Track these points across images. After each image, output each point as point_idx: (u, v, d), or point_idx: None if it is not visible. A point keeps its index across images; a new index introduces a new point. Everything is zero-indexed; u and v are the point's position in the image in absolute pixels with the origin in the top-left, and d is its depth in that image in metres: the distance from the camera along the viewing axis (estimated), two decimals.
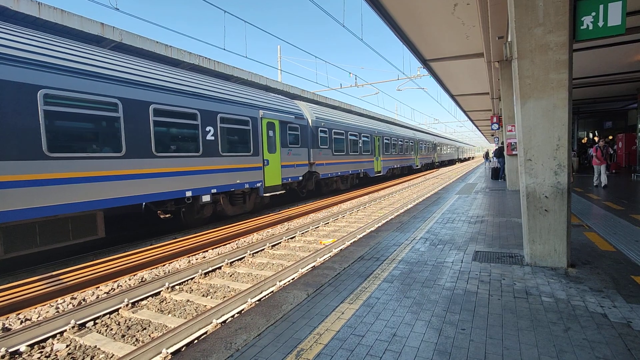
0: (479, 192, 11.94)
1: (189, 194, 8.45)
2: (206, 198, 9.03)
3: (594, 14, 3.56)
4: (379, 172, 21.04)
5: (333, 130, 15.54)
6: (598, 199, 8.86)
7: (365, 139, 18.90)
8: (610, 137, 20.11)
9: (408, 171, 29.80)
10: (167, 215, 11.17)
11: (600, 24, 3.56)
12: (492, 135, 38.49)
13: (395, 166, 24.55)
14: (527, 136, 3.94)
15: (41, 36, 6.40)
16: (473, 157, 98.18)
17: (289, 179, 12.32)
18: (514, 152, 11.42)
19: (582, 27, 3.63)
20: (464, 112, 27.65)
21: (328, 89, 21.76)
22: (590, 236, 5.30)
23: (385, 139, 22.28)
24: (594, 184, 11.91)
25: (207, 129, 8.96)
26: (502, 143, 16.27)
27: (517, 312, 2.95)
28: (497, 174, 16.54)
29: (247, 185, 10.30)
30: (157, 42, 11.02)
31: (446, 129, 76.20)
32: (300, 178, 13.08)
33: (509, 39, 4.00)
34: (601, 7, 3.53)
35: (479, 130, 52.31)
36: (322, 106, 19.05)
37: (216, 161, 9.23)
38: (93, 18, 9.90)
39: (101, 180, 6.73)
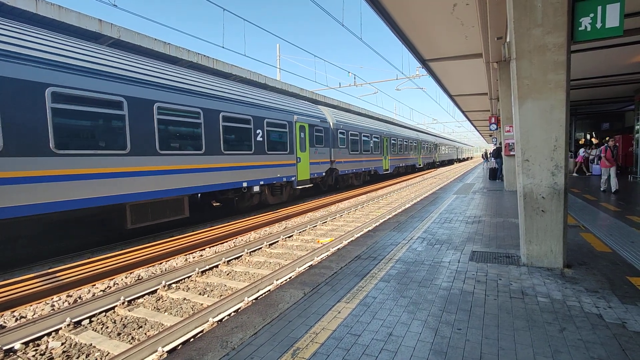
0: (476, 192, 11.97)
1: (245, 184, 10.26)
2: (256, 188, 10.92)
3: (592, 15, 3.57)
4: (387, 170, 22.67)
5: (349, 132, 17.33)
6: (595, 200, 8.90)
7: (375, 139, 20.66)
8: (608, 138, 20.20)
9: (412, 170, 31.08)
10: (218, 204, 12.42)
11: (599, 25, 3.57)
12: (490, 136, 38.59)
13: (401, 165, 26.44)
14: (524, 137, 3.94)
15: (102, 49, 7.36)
16: (472, 157, 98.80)
17: (315, 175, 14.15)
18: (511, 153, 11.44)
19: (580, 29, 3.64)
20: (463, 112, 27.68)
21: (327, 87, 21.75)
22: (587, 237, 5.32)
23: (392, 140, 24.00)
24: (602, 189, 10.72)
25: (257, 131, 10.78)
26: (500, 143, 16.31)
27: (513, 312, 2.95)
28: (495, 174, 16.58)
29: (284, 179, 12.08)
30: (156, 39, 10.98)
31: (445, 129, 76.32)
32: (324, 174, 14.98)
33: (508, 40, 4.00)
34: (599, 8, 3.54)
35: (477, 131, 52.42)
36: (340, 110, 20.91)
37: (263, 158, 11.06)
38: (91, 15, 9.91)
39: (187, 172, 8.46)
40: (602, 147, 11.01)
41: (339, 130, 16.24)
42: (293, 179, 12.55)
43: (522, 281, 3.63)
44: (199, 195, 10.64)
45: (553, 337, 2.56)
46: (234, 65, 14.42)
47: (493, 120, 17.57)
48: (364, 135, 18.97)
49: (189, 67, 12.41)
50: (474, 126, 43.42)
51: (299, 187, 13.04)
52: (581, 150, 17.52)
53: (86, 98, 6.53)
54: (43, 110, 5.90)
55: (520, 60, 3.84)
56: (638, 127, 13.88)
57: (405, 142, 27.25)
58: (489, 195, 11.05)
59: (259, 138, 10.79)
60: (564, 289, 3.41)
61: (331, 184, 16.98)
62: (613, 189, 10.20)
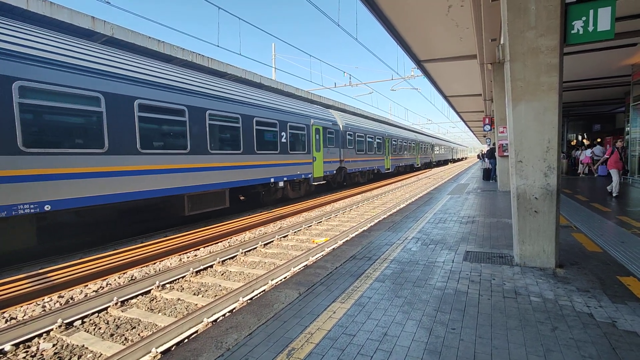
0: (470, 192, 12.06)
1: (272, 180, 11.68)
2: (281, 184, 12.34)
3: (584, 18, 3.62)
4: (389, 169, 24.49)
5: (356, 134, 18.78)
6: (586, 201, 9.01)
7: (378, 140, 22.20)
8: (599, 140, 20.46)
9: (410, 169, 32.66)
10: (243, 198, 13.56)
11: (590, 28, 3.61)
12: (484, 137, 38.91)
13: (401, 164, 28.18)
14: (518, 138, 3.98)
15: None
16: (466, 158, 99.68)
17: (328, 172, 15.61)
18: (505, 154, 11.54)
19: (572, 32, 3.68)
20: (457, 113, 27.88)
21: (322, 87, 21.75)
22: (578, 237, 5.39)
23: (393, 141, 25.73)
24: (614, 194, 9.69)
25: (282, 134, 12.21)
26: (494, 144, 16.44)
27: (506, 312, 2.98)
28: (489, 174, 16.71)
29: (302, 176, 13.56)
30: (150, 37, 10.88)
31: (439, 130, 76.81)
32: (334, 172, 16.48)
33: (502, 42, 4.04)
34: (591, 12, 3.59)
35: (471, 131, 52.84)
36: (348, 113, 23.17)
37: (287, 157, 12.47)
38: (84, 12, 9.77)
39: (229, 169, 9.89)
40: (608, 148, 10.30)
41: (347, 132, 17.69)
42: (310, 176, 14.12)
43: (515, 281, 3.67)
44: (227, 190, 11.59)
45: (545, 336, 2.59)
46: (229, 64, 14.35)
47: (487, 121, 17.72)
48: (368, 137, 20.44)
49: (184, 66, 12.33)
50: (468, 127, 43.77)
51: (315, 183, 14.62)
52: (588, 151, 17.44)
53: (162, 108, 8.03)
54: (132, 120, 7.41)
55: (514, 62, 3.87)
56: (628, 128, 14.08)
57: (404, 143, 28.87)
58: (483, 195, 11.14)
59: (283, 139, 12.29)
60: (556, 288, 3.45)
61: (340, 182, 18.35)
62: (614, 193, 9.65)
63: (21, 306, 4.75)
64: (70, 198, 6.35)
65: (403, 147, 28.49)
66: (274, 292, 3.59)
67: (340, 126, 17.01)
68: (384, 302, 3.25)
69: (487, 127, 17.64)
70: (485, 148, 29.31)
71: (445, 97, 19.32)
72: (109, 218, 8.18)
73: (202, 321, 4.11)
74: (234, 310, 4.16)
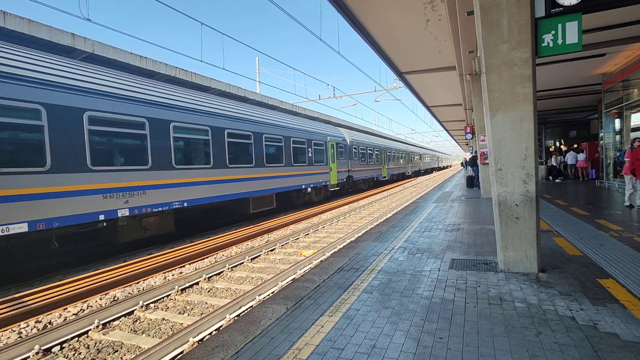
0: (455, 200, 12.25)
1: (303, 186, 14.93)
2: (309, 190, 15.54)
3: (553, 32, 3.79)
4: (385, 177, 27.79)
5: (360, 147, 22.03)
6: (565, 205, 9.27)
7: (377, 152, 25.64)
8: (575, 145, 21.20)
9: (402, 177, 36.23)
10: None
11: (560, 41, 3.79)
12: (467, 145, 39.82)
13: (395, 172, 31.73)
14: (497, 147, 4.10)
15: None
16: (450, 166, 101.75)
17: (340, 180, 18.77)
18: (486, 161, 11.82)
19: (543, 44, 3.85)
20: (440, 122, 28.50)
21: (306, 100, 21.93)
22: (559, 241, 5.53)
23: (388, 152, 29.04)
24: (625, 204, 8.39)
25: (309, 149, 15.44)
26: (476, 152, 16.81)
27: (492, 319, 3.02)
28: (472, 182, 17.04)
29: (322, 183, 16.71)
30: (132, 53, 10.82)
31: (423, 139, 78.27)
32: (344, 180, 19.62)
33: (478, 55, 4.19)
34: (559, 26, 3.77)
35: (454, 140, 54.02)
36: (353, 130, 27.08)
37: (312, 168, 15.69)
38: (64, 29, 9.61)
39: (276, 178, 12.91)
40: (626, 149, 8.85)
41: (353, 146, 20.91)
42: (327, 183, 17.27)
43: (500, 287, 3.73)
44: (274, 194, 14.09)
45: (530, 341, 2.63)
46: (212, 78, 14.36)
47: (469, 129, 18.15)
48: (369, 150, 23.85)
49: (166, 81, 12.26)
50: (451, 135, 44.78)
51: (331, 189, 17.90)
52: (581, 155, 17.79)
53: (238, 134, 11.04)
54: (223, 143, 10.35)
55: (489, 74, 4.02)
56: (602, 134, 14.66)
57: (397, 154, 32.42)
58: (467, 203, 11.33)
59: (309, 154, 15.50)
60: (539, 293, 3.51)
61: (347, 188, 21.38)
62: (638, 203, 8.21)
63: None
64: (188, 199, 9.00)
65: (396, 157, 32.12)
66: (262, 308, 3.54)
67: (348, 141, 20.23)
68: (372, 314, 3.24)
69: (469, 136, 18.05)
70: (468, 156, 30.03)
71: (428, 107, 19.77)
72: (197, 215, 10.86)
73: (188, 341, 4.01)
74: (221, 329, 4.07)
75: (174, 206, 8.67)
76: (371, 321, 3.10)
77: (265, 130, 12.30)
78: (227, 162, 10.45)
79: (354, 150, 20.84)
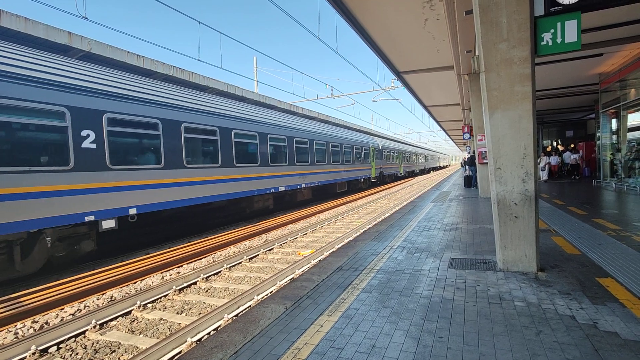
0: (453, 199, 12.27)
1: (360, 177, 21.86)
2: (362, 179, 23.03)
3: (552, 31, 3.79)
4: (402, 173, 35.28)
5: (387, 151, 29.03)
6: (563, 205, 9.30)
7: (395, 154, 32.63)
8: (572, 145, 21.28)
9: (411, 174, 43.00)
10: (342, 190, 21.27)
11: (559, 40, 3.79)
12: (465, 145, 39.94)
13: (407, 170, 38.73)
14: (496, 146, 4.09)
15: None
16: (449, 165, 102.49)
17: (377, 174, 25.99)
18: (484, 161, 11.83)
19: (542, 43, 3.85)
20: (437, 122, 28.55)
21: (304, 99, 21.90)
22: (558, 240, 5.54)
23: (404, 154, 36.68)
24: None
25: (363, 152, 22.40)
26: (474, 152, 16.83)
27: (491, 318, 3.01)
28: (470, 181, 17.06)
29: (367, 176, 23.67)
30: (129, 52, 10.75)
31: (420, 139, 78.45)
32: (378, 174, 26.60)
33: (477, 53, 4.18)
34: (559, 24, 3.76)
35: (452, 140, 54.14)
36: (380, 138, 33.95)
37: (362, 165, 22.31)
38: (60, 28, 9.58)
39: (344, 172, 18.84)
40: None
41: (383, 150, 27.73)
42: (369, 176, 24.25)
43: (500, 286, 3.72)
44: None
45: (530, 340, 2.62)
46: (210, 78, 14.30)
47: (466, 129, 18.17)
48: (392, 152, 31.02)
49: (164, 80, 12.20)
50: (449, 135, 44.84)
51: (372, 180, 25.59)
52: (575, 155, 17.91)
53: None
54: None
55: (488, 72, 4.01)
56: (599, 134, 14.72)
57: (409, 155, 39.83)
58: (465, 202, 11.34)
59: (362, 155, 22.50)
60: (538, 292, 3.51)
61: (377, 181, 27.85)
62: None
63: None
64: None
65: (409, 158, 39.78)
66: (260, 308, 3.52)
67: (380, 147, 27.00)
68: (372, 313, 3.23)
69: (467, 136, 18.08)
70: (466, 156, 30.15)
71: (425, 107, 19.79)
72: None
73: (186, 341, 3.98)
74: (219, 328, 4.04)
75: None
76: (371, 320, 3.08)
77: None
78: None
79: (383, 153, 27.92)
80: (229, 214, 12.40)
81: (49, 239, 6.36)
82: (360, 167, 21.74)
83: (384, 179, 29.86)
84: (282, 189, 12.91)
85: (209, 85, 14.40)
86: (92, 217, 6.74)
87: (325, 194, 19.80)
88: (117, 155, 7.30)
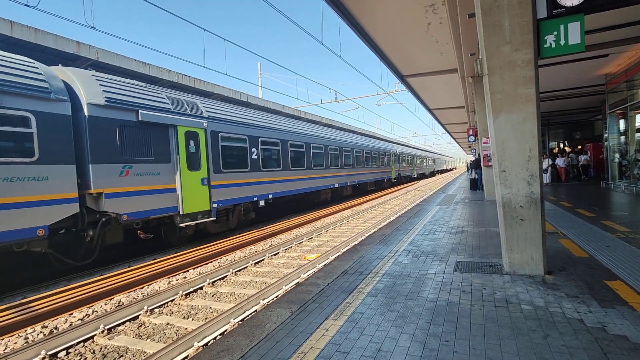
0: (458, 202, 12.20)
1: (384, 178, 27.20)
2: (385, 180, 27.77)
3: (555, 33, 3.79)
4: (415, 175, 39.83)
5: (403, 156, 33.65)
6: (571, 207, 9.20)
7: (410, 158, 37.22)
8: (580, 147, 21.06)
9: (422, 176, 46.73)
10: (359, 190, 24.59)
11: (562, 42, 3.78)
12: (469, 147, 39.73)
13: (419, 172, 42.72)
14: (500, 148, 4.09)
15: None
16: (455, 168, 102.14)
17: (396, 176, 30.36)
18: (489, 164, 11.76)
19: (545, 45, 3.85)
20: (442, 125, 28.46)
21: (308, 104, 22.02)
22: (565, 243, 5.48)
23: (417, 158, 41.69)
24: None
25: (386, 157, 27.45)
26: (479, 154, 16.74)
27: (498, 321, 2.99)
28: (476, 184, 16.96)
29: (389, 177, 28.22)
30: (135, 60, 10.93)
31: (425, 142, 78.32)
32: (397, 176, 30.86)
33: (480, 57, 4.19)
34: (562, 26, 3.76)
35: (457, 142, 53.89)
36: (397, 144, 38.22)
37: (384, 168, 26.80)
38: (69, 37, 9.90)
39: (374, 173, 24.36)
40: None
41: (400, 155, 32.22)
42: (390, 177, 28.65)
43: (506, 290, 3.70)
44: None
45: (538, 344, 2.60)
46: (215, 84, 14.46)
47: (471, 132, 18.10)
48: (407, 157, 35.79)
49: (170, 87, 12.37)
50: (454, 138, 44.65)
51: (392, 181, 29.73)
52: (582, 157, 17.89)
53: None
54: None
55: (492, 75, 4.01)
56: (606, 135, 14.57)
57: (420, 160, 43.90)
58: (471, 205, 11.28)
59: (386, 160, 27.12)
60: (545, 295, 3.48)
61: (396, 181, 31.82)
62: None
63: (2, 339, 4.55)
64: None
65: (420, 162, 44.01)
66: (266, 312, 3.53)
67: (397, 152, 31.46)
68: (377, 317, 3.23)
69: (472, 138, 18.00)
70: (471, 158, 30.02)
71: (430, 110, 19.75)
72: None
73: (193, 345, 4.00)
74: (225, 333, 4.06)
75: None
76: (376, 324, 3.08)
77: (370, 149, 23.13)
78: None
79: (400, 157, 32.48)
80: (306, 202, 17.26)
81: (242, 209, 11.15)
82: (384, 170, 26.78)
83: (401, 180, 35.38)
84: (336, 185, 17.70)
85: (214, 91, 14.57)
86: (256, 199, 11.40)
87: (360, 191, 24.14)
88: (264, 162, 11.90)
